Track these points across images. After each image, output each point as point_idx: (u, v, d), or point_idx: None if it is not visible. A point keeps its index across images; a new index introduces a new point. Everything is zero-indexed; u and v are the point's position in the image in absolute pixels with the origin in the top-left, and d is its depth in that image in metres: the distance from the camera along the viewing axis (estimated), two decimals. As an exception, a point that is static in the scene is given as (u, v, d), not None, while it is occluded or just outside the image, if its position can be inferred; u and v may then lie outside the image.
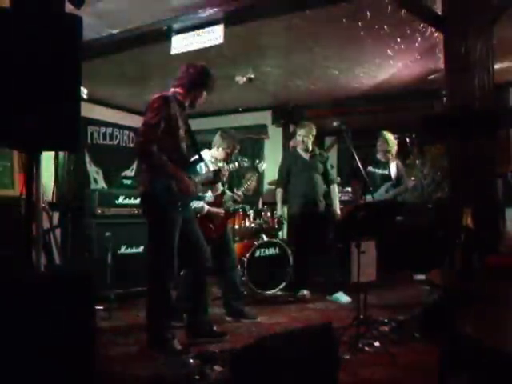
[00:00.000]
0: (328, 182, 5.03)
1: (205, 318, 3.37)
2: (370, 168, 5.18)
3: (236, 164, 4.00)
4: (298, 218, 4.93)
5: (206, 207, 3.97)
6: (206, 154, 4.09)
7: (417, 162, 6.25)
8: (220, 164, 4.12)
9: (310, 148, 4.97)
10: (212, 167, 4.01)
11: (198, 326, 3.33)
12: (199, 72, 3.25)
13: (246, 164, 4.11)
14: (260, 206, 6.22)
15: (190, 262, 3.30)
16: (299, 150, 5.02)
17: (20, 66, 2.03)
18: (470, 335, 1.56)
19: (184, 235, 3.15)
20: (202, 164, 3.64)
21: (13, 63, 2.02)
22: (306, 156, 4.97)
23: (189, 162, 3.25)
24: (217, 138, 4.17)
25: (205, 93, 3.31)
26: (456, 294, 1.89)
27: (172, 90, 3.24)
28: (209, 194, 4.05)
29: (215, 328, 3.40)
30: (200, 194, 3.57)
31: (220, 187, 4.11)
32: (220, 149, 4.12)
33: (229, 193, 4.21)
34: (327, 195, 5.03)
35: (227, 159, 4.17)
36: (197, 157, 3.36)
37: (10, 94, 2.02)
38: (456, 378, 1.68)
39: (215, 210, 4.04)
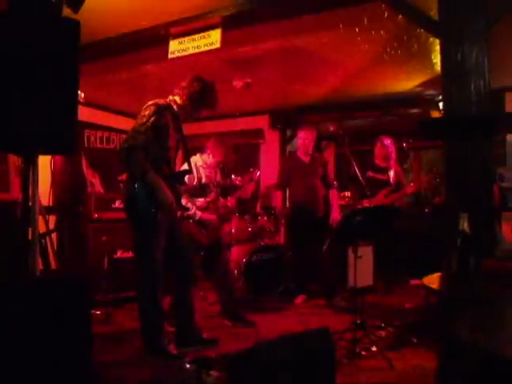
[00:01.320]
0: (327, 186, 5.04)
1: (191, 326, 3.27)
2: (370, 173, 5.17)
3: (227, 181, 4.01)
4: (297, 222, 4.92)
5: (199, 214, 3.97)
6: (197, 158, 4.10)
7: (413, 166, 6.27)
8: (211, 170, 4.12)
9: (311, 151, 4.97)
10: (203, 174, 4.02)
11: (184, 334, 3.24)
12: (203, 90, 3.21)
13: (237, 183, 4.12)
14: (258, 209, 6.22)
15: (173, 269, 3.24)
16: (299, 153, 5.02)
17: (17, 70, 2.03)
18: (466, 339, 1.56)
19: (168, 243, 3.13)
20: (190, 175, 3.64)
21: (10, 67, 2.03)
22: (306, 159, 4.97)
23: (175, 171, 3.22)
24: (210, 145, 4.17)
25: (203, 112, 3.29)
26: (452, 298, 1.90)
27: (170, 97, 3.22)
28: (200, 200, 4.07)
29: (205, 335, 3.33)
30: (184, 205, 3.54)
31: (213, 194, 4.11)
32: (211, 156, 4.13)
33: (222, 199, 4.22)
34: (327, 200, 5.03)
35: (216, 166, 4.18)
36: (186, 167, 3.36)
37: (7, 97, 2.02)
38: (453, 382, 1.67)
39: (208, 216, 4.04)
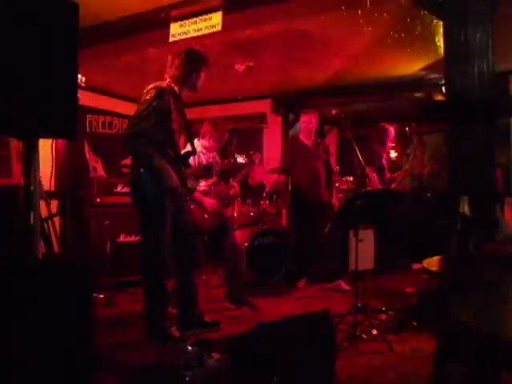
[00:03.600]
0: (328, 171, 5.03)
1: (193, 310, 3.31)
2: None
3: (232, 160, 3.99)
4: (299, 206, 4.93)
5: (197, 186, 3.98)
6: (196, 143, 4.09)
7: (416, 151, 6.24)
8: (210, 154, 4.12)
9: (313, 135, 4.96)
10: (204, 159, 4.01)
11: (187, 318, 3.28)
12: (186, 60, 3.16)
13: (241, 160, 4.09)
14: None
15: (178, 253, 3.27)
16: (302, 137, 5.01)
17: (16, 54, 2.02)
18: (466, 322, 1.56)
19: (174, 227, 3.13)
20: (194, 156, 3.63)
21: (9, 51, 2.01)
22: (308, 143, 4.96)
23: (180, 154, 3.21)
24: (205, 128, 4.15)
25: (202, 73, 3.24)
26: (452, 282, 1.90)
27: (169, 79, 3.18)
28: (202, 184, 4.07)
29: (207, 318, 3.37)
30: (190, 187, 3.54)
31: (214, 177, 4.11)
32: (210, 140, 4.12)
33: (223, 183, 4.22)
34: (328, 184, 5.03)
35: (216, 148, 4.17)
36: (189, 149, 3.35)
37: (6, 81, 2.02)
38: (452, 366, 1.69)
39: (204, 199, 4.03)
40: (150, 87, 3.02)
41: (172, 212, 3.10)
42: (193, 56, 3.18)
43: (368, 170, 5.23)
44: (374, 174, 5.31)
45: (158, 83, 3.06)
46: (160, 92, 3.00)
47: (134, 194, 3.12)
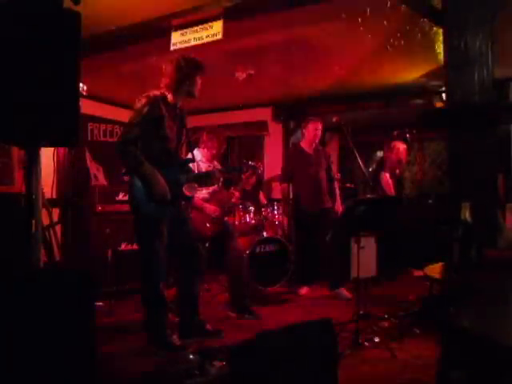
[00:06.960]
0: (330, 178, 5.04)
1: (195, 318, 3.31)
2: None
3: (254, 175, 4.03)
4: (301, 213, 4.93)
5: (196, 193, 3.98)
6: (196, 153, 4.10)
7: (417, 157, 6.25)
8: (209, 163, 4.13)
9: (316, 143, 4.97)
10: (204, 169, 4.02)
11: (188, 326, 3.28)
12: (177, 68, 3.15)
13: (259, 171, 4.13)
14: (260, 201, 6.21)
15: (180, 262, 3.28)
16: (303, 145, 5.02)
17: (19, 62, 2.03)
18: (468, 329, 1.56)
19: (175, 235, 3.14)
20: (194, 164, 3.63)
21: (11, 59, 2.03)
22: (310, 151, 4.97)
23: (176, 162, 3.21)
24: (204, 138, 4.16)
25: (197, 79, 3.21)
26: (454, 288, 1.90)
27: (163, 89, 3.18)
28: (203, 191, 4.08)
29: (208, 327, 3.35)
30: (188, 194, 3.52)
31: (215, 185, 4.11)
32: (206, 148, 4.12)
33: (224, 191, 4.22)
34: (330, 192, 5.04)
35: (216, 157, 4.18)
36: (189, 157, 3.34)
37: (9, 90, 2.03)
38: (455, 373, 1.68)
39: (206, 205, 4.04)
40: (141, 96, 3.04)
41: (170, 220, 3.10)
42: (184, 63, 3.16)
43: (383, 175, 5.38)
44: (390, 181, 5.37)
45: (149, 92, 3.07)
46: (150, 100, 3.02)
47: (128, 202, 3.15)
